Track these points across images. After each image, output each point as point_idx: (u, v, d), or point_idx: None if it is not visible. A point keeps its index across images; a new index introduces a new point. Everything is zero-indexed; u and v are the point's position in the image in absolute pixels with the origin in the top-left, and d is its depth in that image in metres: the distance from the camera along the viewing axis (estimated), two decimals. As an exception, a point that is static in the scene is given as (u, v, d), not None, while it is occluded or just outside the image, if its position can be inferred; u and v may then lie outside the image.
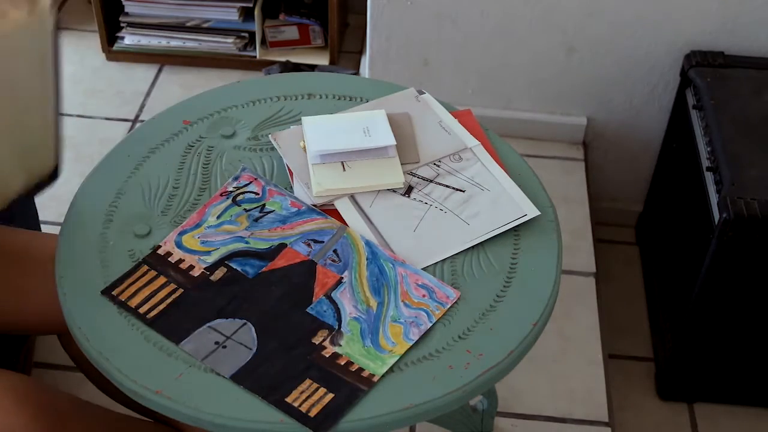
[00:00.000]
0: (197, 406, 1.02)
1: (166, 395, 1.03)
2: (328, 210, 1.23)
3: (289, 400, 1.02)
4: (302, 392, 1.02)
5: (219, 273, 1.15)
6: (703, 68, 1.80)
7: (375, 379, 1.04)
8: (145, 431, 1.35)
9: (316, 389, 1.03)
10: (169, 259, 1.17)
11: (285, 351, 1.06)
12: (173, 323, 1.09)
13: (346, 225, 1.20)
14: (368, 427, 1.01)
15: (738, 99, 1.72)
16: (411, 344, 1.08)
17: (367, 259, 1.16)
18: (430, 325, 1.10)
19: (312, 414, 1.00)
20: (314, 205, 1.23)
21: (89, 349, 1.07)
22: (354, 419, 1.01)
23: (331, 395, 1.02)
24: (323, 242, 1.18)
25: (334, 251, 1.17)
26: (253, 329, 1.08)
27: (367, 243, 1.18)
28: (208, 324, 1.09)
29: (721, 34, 1.87)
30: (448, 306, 1.12)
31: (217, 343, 1.07)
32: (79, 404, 1.24)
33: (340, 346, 1.07)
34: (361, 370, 1.05)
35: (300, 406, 1.01)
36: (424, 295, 1.13)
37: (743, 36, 1.86)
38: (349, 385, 1.03)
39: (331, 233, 1.19)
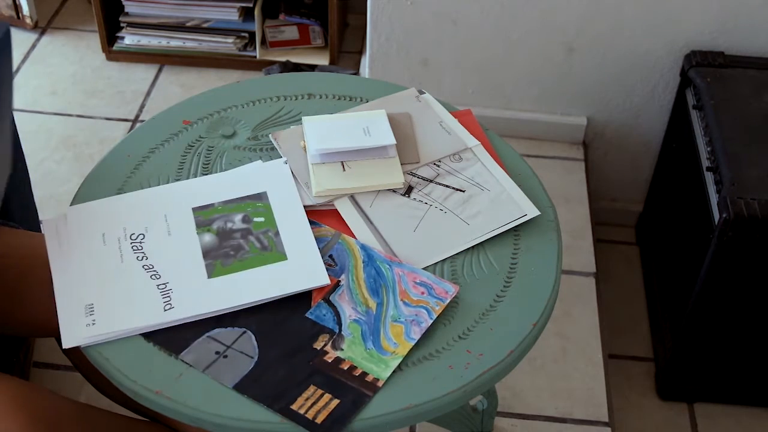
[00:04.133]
0: (197, 406, 1.02)
1: (166, 395, 1.02)
2: (328, 210, 1.23)
3: (294, 407, 1.01)
4: (307, 399, 1.02)
5: (217, 279, 1.15)
6: (703, 68, 1.80)
7: (380, 383, 1.04)
8: None
9: (321, 395, 1.02)
10: (167, 264, 1.16)
11: (287, 358, 1.06)
12: (172, 334, 1.08)
13: (341, 232, 1.20)
14: (368, 427, 1.01)
15: (738, 99, 1.72)
16: (413, 344, 1.07)
17: (363, 262, 1.16)
18: (431, 321, 1.10)
19: (319, 420, 1.00)
20: (311, 208, 1.23)
21: (89, 349, 1.07)
22: (354, 419, 1.01)
23: (336, 401, 1.02)
24: (318, 249, 1.17)
25: (330, 257, 1.17)
26: (253, 337, 1.08)
27: (362, 247, 1.18)
28: (207, 334, 1.08)
29: (721, 34, 1.87)
30: (448, 301, 1.12)
31: (217, 353, 1.06)
32: (78, 409, 1.23)
33: (342, 350, 1.07)
34: (365, 374, 1.04)
35: (306, 413, 1.01)
36: (422, 293, 1.13)
37: (743, 36, 1.86)
38: (354, 390, 1.03)
39: (326, 240, 1.19)
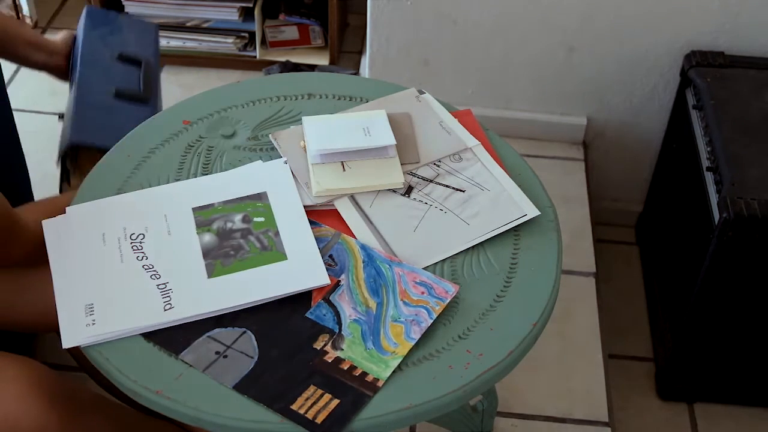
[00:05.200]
0: (197, 406, 1.02)
1: (166, 395, 1.03)
2: (328, 210, 1.23)
3: (294, 407, 1.01)
4: (307, 399, 1.02)
5: (217, 280, 1.15)
6: (703, 68, 1.80)
7: (380, 384, 1.04)
8: (157, 429, 1.35)
9: (321, 395, 1.02)
10: (167, 266, 1.16)
11: (287, 358, 1.06)
12: (172, 334, 1.08)
13: (341, 232, 1.20)
14: (368, 427, 1.01)
15: (738, 99, 1.72)
16: (413, 344, 1.07)
17: (363, 262, 1.16)
18: (431, 321, 1.10)
19: (319, 420, 1.00)
20: (311, 208, 1.23)
21: (89, 349, 1.07)
22: (354, 419, 1.01)
23: (336, 401, 1.02)
24: (318, 249, 1.17)
25: (330, 257, 1.17)
26: (253, 337, 1.08)
27: (362, 247, 1.18)
28: (207, 334, 1.08)
29: (721, 34, 1.87)
30: (448, 300, 1.12)
31: (217, 353, 1.06)
32: (95, 397, 1.25)
33: (342, 350, 1.07)
34: (365, 374, 1.04)
35: (306, 413, 1.01)
36: (422, 292, 1.13)
37: (743, 36, 1.86)
38: (354, 390, 1.03)
39: (326, 240, 1.19)
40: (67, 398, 1.16)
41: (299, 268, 1.14)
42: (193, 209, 1.21)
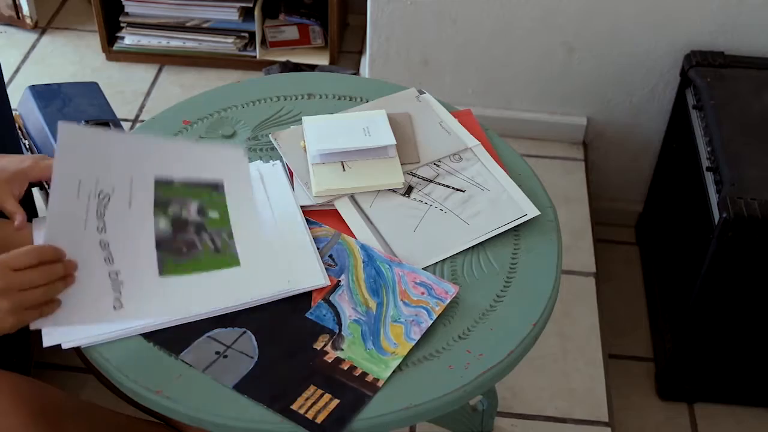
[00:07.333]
0: (197, 406, 1.02)
1: (166, 395, 1.03)
2: (328, 210, 1.23)
3: (294, 407, 1.01)
4: (307, 399, 1.02)
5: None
6: (703, 68, 1.80)
7: (380, 384, 1.04)
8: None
9: (321, 395, 1.02)
10: (166, 266, 1.15)
11: (287, 358, 1.06)
12: (172, 334, 1.08)
13: (341, 232, 1.20)
14: (368, 427, 1.01)
15: (738, 99, 1.72)
16: (413, 344, 1.07)
17: (363, 262, 1.16)
18: (431, 322, 1.10)
19: (319, 420, 1.00)
20: (311, 208, 1.23)
21: (89, 349, 1.07)
22: (354, 419, 1.01)
23: (336, 401, 1.02)
24: (318, 249, 1.17)
25: (330, 257, 1.17)
26: (253, 337, 1.08)
27: (362, 247, 1.18)
28: (207, 334, 1.08)
29: (721, 34, 1.87)
30: (448, 301, 1.12)
31: (217, 353, 1.06)
32: (80, 406, 1.24)
33: (342, 350, 1.07)
34: (365, 374, 1.04)
35: (306, 413, 1.01)
36: (422, 293, 1.13)
37: (743, 36, 1.86)
38: (354, 391, 1.03)
39: (326, 240, 1.19)
40: (51, 410, 1.15)
41: (254, 276, 1.12)
42: (156, 181, 1.14)
